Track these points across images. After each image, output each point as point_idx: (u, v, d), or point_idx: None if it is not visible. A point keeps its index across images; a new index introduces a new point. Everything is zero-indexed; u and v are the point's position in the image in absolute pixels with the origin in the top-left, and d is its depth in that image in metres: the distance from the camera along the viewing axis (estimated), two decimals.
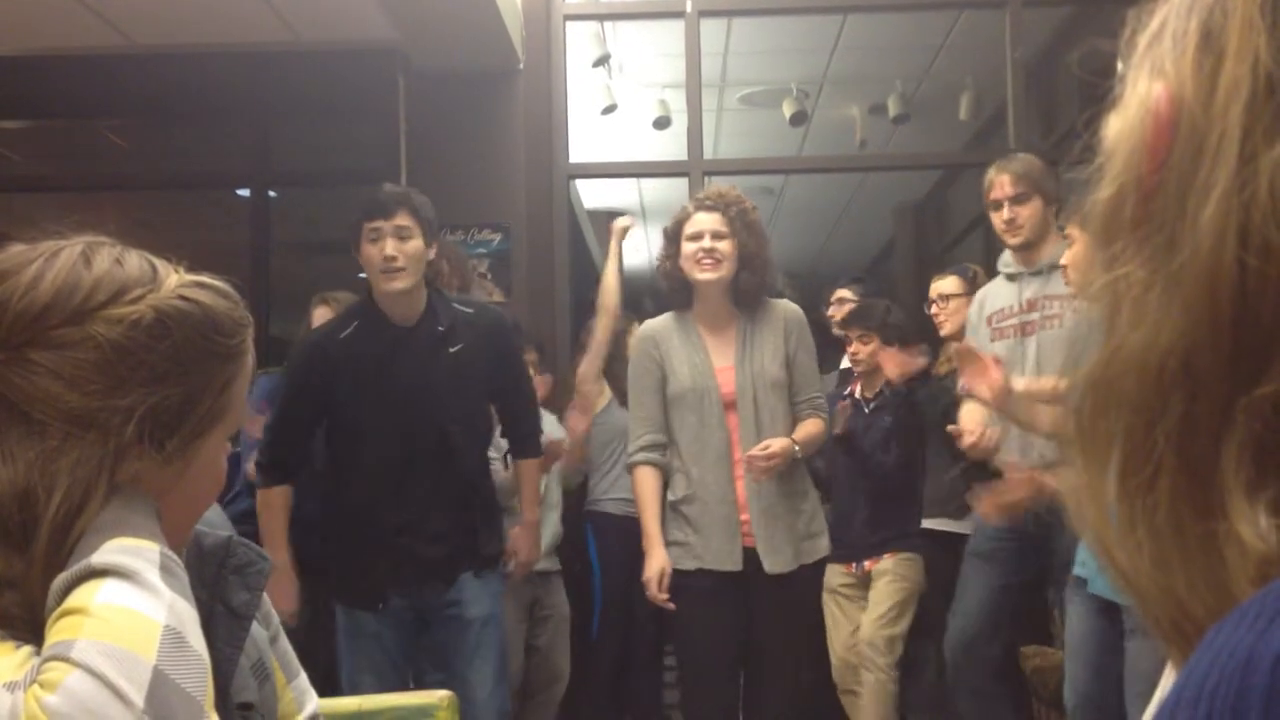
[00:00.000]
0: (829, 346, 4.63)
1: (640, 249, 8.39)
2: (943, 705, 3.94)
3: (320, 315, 3.72)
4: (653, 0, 5.65)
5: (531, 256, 5.14)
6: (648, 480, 3.17)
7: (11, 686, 0.90)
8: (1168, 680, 0.83)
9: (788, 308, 3.30)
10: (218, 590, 1.19)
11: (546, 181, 5.26)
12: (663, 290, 3.38)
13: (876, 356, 4.15)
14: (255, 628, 1.24)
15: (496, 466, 3.44)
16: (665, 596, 3.10)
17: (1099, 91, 0.49)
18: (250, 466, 3.40)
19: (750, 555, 3.12)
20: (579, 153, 5.63)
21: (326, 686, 2.28)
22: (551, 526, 4.08)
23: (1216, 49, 0.43)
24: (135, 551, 0.98)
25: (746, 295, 3.23)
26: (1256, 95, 0.42)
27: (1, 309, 1.02)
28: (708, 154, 6.30)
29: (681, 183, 5.52)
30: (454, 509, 3.08)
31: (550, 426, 4.25)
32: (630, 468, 3.25)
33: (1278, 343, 0.41)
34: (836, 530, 4.18)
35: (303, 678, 1.35)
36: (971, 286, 4.03)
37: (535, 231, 5.16)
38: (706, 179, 5.65)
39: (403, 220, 3.03)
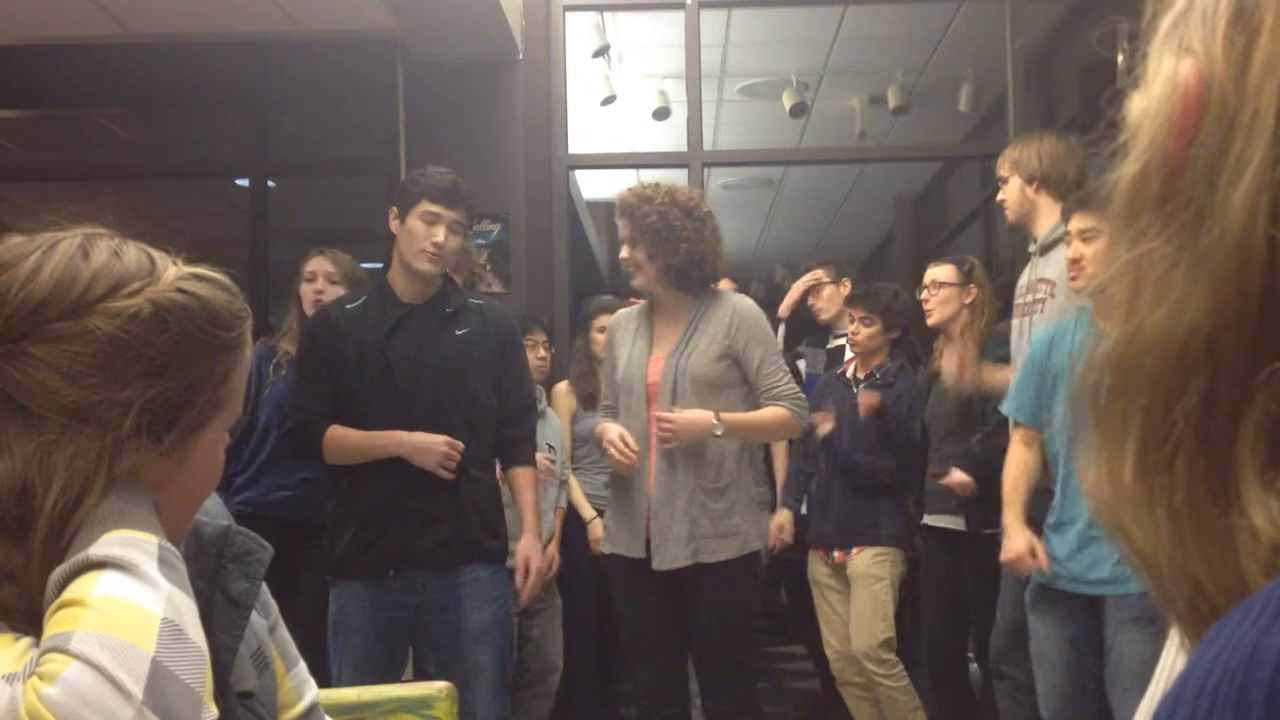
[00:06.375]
0: (811, 326, 4.67)
1: None
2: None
3: (315, 264, 3.84)
4: None
5: (530, 247, 5.13)
6: (611, 425, 3.22)
7: (10, 678, 0.91)
8: (1163, 674, 0.83)
9: (739, 301, 3.25)
10: (217, 579, 1.19)
11: (546, 172, 5.25)
12: None
13: (875, 340, 4.14)
14: (254, 617, 1.24)
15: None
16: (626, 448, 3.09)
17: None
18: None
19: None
20: (578, 143, 5.62)
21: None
22: (547, 526, 4.09)
23: (1250, 26, 0.43)
24: (133, 544, 0.98)
25: (683, 280, 3.20)
26: None
27: None
28: (707, 145, 6.29)
29: (681, 174, 5.49)
30: (447, 494, 3.01)
31: (554, 425, 4.28)
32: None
33: None
34: (815, 515, 4.22)
35: (302, 666, 1.35)
36: (966, 278, 3.99)
37: (534, 222, 5.15)
38: (706, 170, 5.64)
39: (460, 216, 3.11)
